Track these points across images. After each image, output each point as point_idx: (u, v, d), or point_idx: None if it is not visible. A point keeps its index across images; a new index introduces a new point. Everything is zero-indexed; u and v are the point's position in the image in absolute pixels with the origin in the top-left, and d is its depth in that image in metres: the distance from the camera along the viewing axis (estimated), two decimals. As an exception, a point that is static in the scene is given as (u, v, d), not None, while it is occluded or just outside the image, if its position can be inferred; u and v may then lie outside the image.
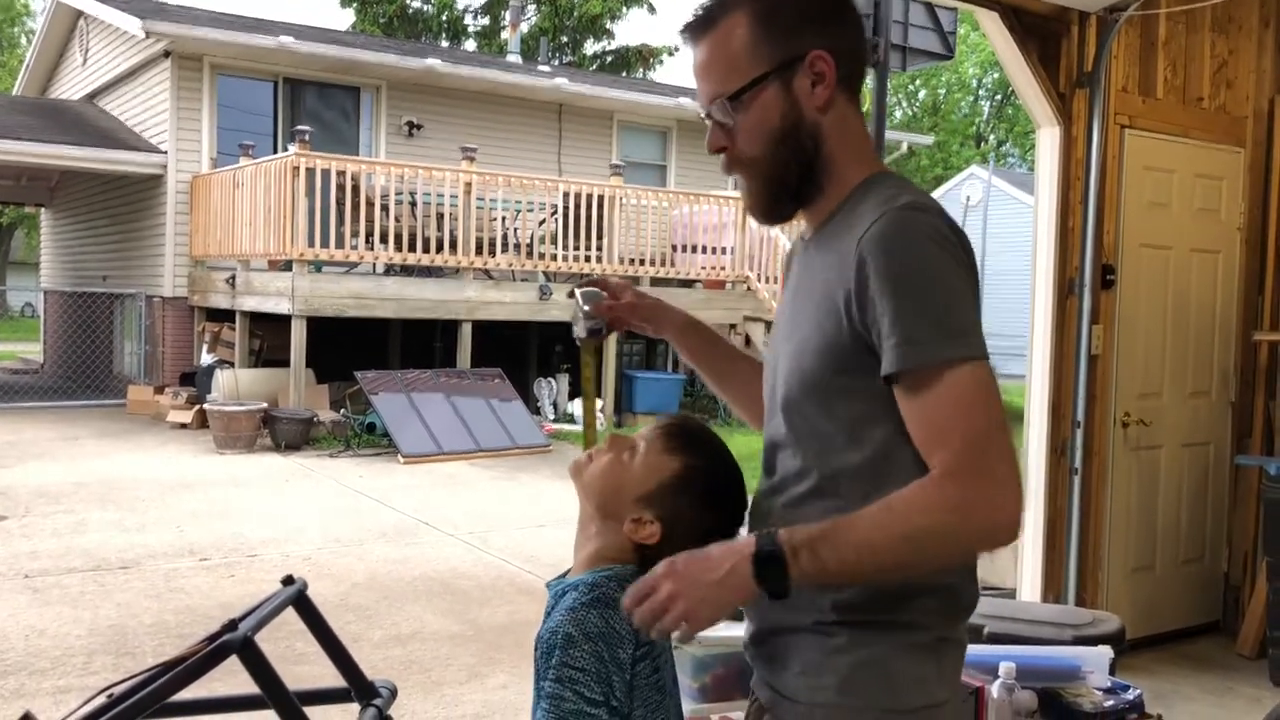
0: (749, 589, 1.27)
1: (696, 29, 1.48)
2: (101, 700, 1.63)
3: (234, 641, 1.53)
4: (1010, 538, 1.30)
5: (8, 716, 3.94)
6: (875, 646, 1.38)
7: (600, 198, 12.67)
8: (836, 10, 1.48)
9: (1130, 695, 2.56)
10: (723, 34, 1.45)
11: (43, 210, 19.94)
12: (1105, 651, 2.63)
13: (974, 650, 2.68)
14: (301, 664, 3.79)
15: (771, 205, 1.50)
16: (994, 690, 2.37)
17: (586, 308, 1.74)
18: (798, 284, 1.53)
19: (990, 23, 4.30)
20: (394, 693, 1.94)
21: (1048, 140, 4.53)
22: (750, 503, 1.58)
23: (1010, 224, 20.24)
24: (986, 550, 1.34)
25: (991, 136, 37.44)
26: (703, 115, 1.49)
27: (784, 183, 1.47)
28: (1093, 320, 4.49)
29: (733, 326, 13.47)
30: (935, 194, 27.01)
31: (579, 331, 1.77)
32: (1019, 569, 4.65)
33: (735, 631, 1.66)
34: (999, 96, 36.43)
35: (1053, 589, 4.50)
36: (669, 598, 1.27)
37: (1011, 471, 1.30)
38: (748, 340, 13.24)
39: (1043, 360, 4.54)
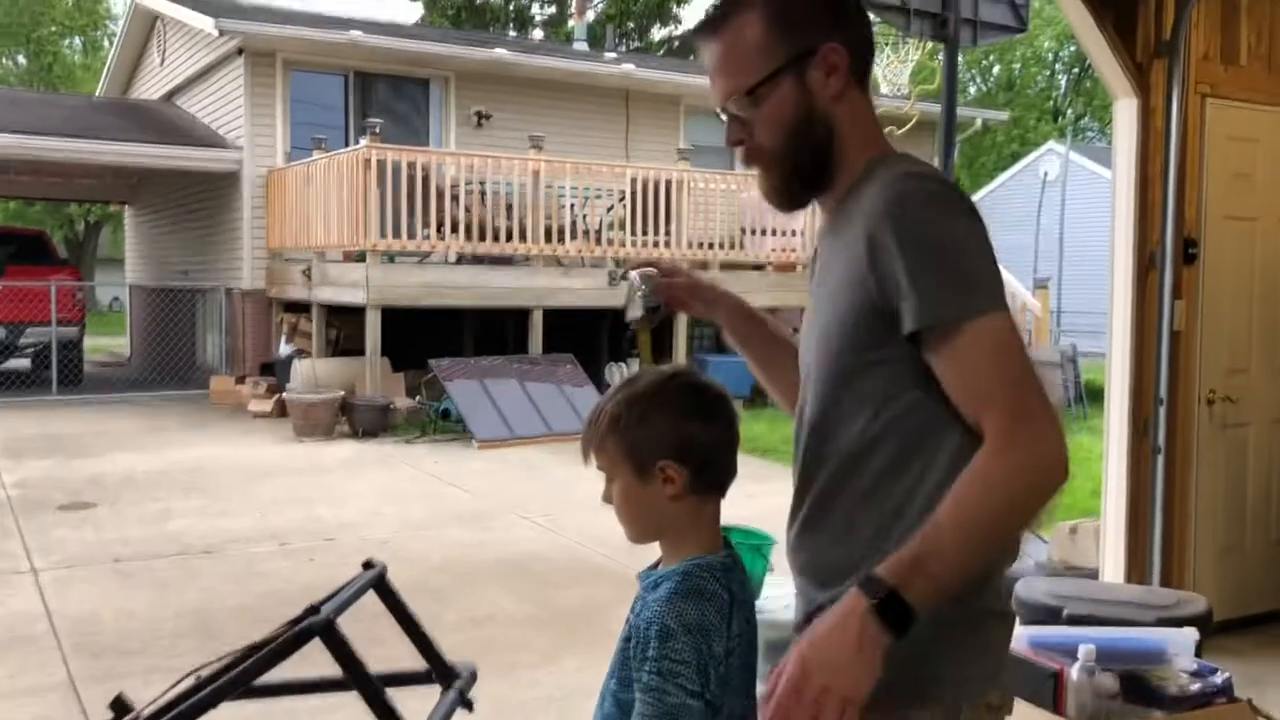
0: (882, 642, 1.25)
1: (709, 28, 1.52)
2: (190, 682, 1.66)
3: (317, 624, 1.56)
4: (1064, 474, 1.31)
5: (100, 697, 4.06)
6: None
7: (668, 182, 12.63)
8: (843, 3, 1.52)
9: (1218, 678, 2.50)
10: (735, 31, 1.49)
11: (126, 207, 20.47)
12: (1191, 633, 2.57)
13: (1053, 632, 2.63)
14: (381, 646, 3.85)
15: (789, 194, 1.54)
16: (1074, 672, 2.33)
17: (644, 288, 1.73)
18: (820, 273, 1.56)
19: (1064, -8, 4.19)
20: (474, 675, 1.95)
21: (1125, 112, 4.41)
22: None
23: (1090, 199, 19.73)
24: (1052, 494, 1.33)
25: (1069, 111, 36.57)
26: (719, 111, 1.53)
27: (800, 172, 1.50)
28: (1175, 295, 4.37)
29: (803, 310, 13.35)
30: (1012, 170, 26.49)
31: (634, 313, 1.76)
32: (1101, 550, 4.56)
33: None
34: (1076, 70, 35.56)
35: (1137, 570, 4.40)
36: (822, 691, 1.24)
37: (1050, 410, 1.32)
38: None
39: (1123, 337, 4.43)
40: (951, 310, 1.31)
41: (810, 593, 1.49)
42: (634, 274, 1.76)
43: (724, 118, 1.53)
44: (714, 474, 1.51)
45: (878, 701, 1.29)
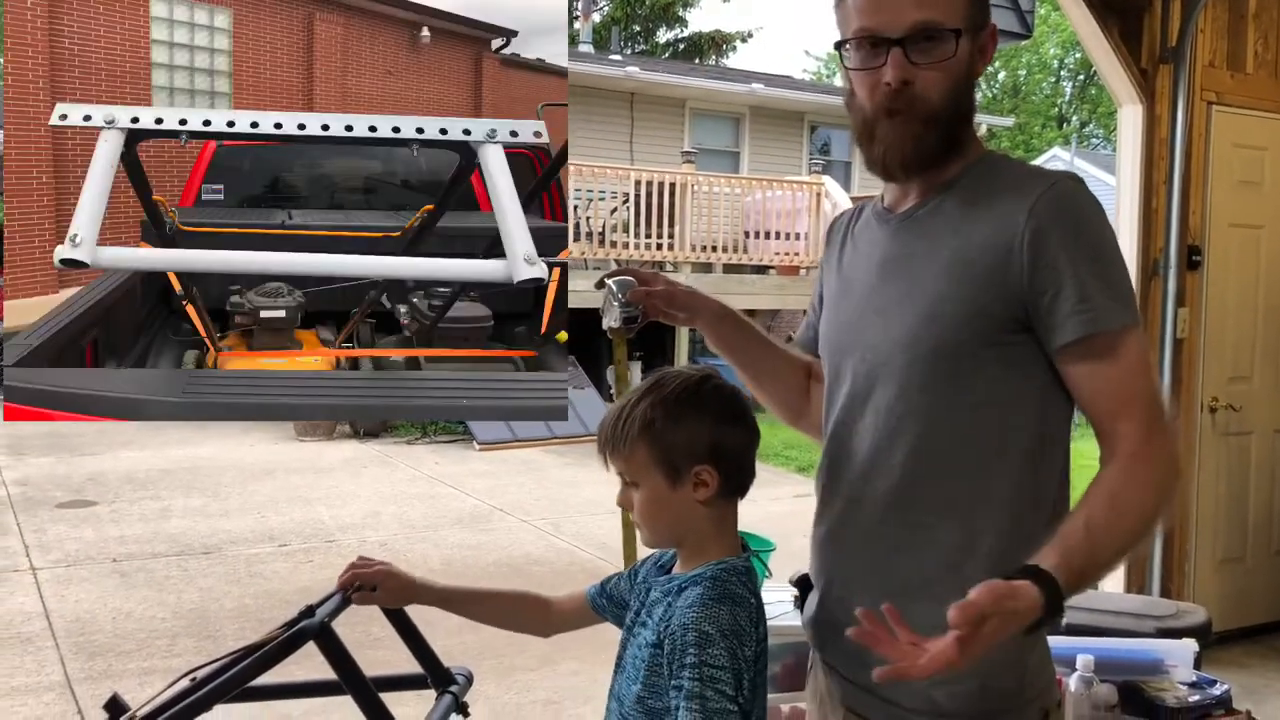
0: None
1: None
2: (184, 683, 1.66)
3: (311, 627, 1.55)
4: (1177, 493, 1.36)
5: (96, 696, 4.05)
6: (1006, 642, 1.34)
7: (672, 185, 12.63)
8: None
9: (1217, 690, 2.48)
10: None
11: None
12: (1190, 644, 2.56)
13: (1052, 641, 2.62)
14: (377, 649, 3.84)
15: (927, 155, 1.43)
16: (1072, 683, 2.32)
17: (622, 296, 1.69)
18: (896, 254, 1.47)
19: (1069, 0, 4.18)
20: (470, 679, 1.94)
21: (1130, 118, 4.40)
22: (821, 500, 1.55)
23: (1092, 206, 19.72)
24: (1169, 510, 1.35)
25: (1074, 118, 36.56)
26: (891, 37, 1.37)
27: (950, 135, 1.43)
28: (1178, 303, 4.36)
29: (805, 313, 13.35)
30: (1014, 177, 26.43)
31: (611, 321, 1.70)
32: (1101, 559, 4.54)
33: (798, 621, 1.64)
34: (1081, 77, 35.54)
35: (1136, 580, 4.39)
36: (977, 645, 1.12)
37: (1175, 430, 1.38)
38: (822, 327, 13.11)
39: (1125, 345, 4.42)
40: (1117, 320, 1.32)
41: (849, 597, 1.43)
42: (611, 282, 1.71)
43: (870, 50, 1.40)
44: (742, 477, 1.50)
45: (979, 714, 1.37)
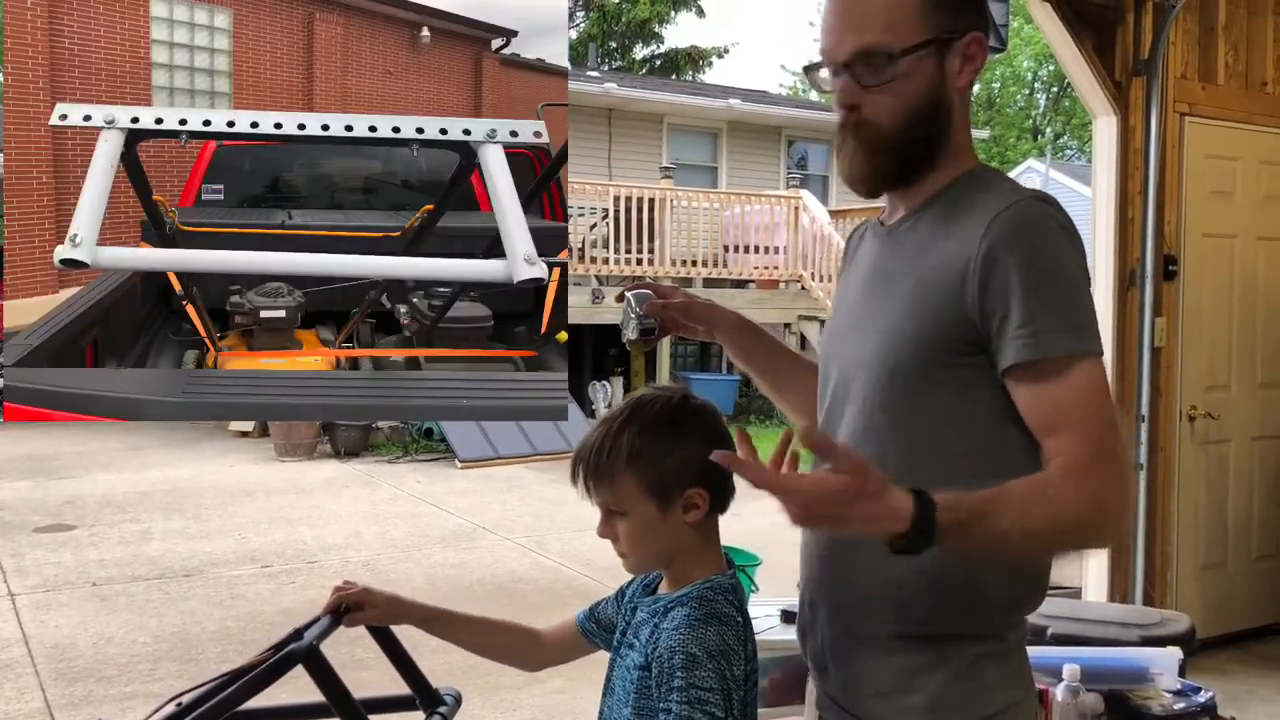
0: (882, 540, 1.17)
1: None
2: (170, 709, 1.64)
3: (300, 650, 1.53)
4: (1118, 527, 1.30)
5: (77, 723, 4.02)
6: (958, 660, 1.34)
7: (651, 200, 12.66)
8: None
9: (1201, 697, 2.50)
10: None
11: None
12: (1174, 652, 2.57)
13: (1038, 652, 2.62)
14: (362, 670, 3.82)
15: (885, 178, 1.43)
16: (1058, 693, 2.33)
17: (639, 309, 1.70)
18: (878, 269, 1.46)
19: (1043, 13, 4.22)
20: (459, 700, 1.93)
21: (1104, 130, 4.44)
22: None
23: (1070, 217, 19.85)
24: (1100, 539, 1.30)
25: (1048, 129, 36.89)
26: (837, 62, 1.38)
27: (907, 157, 1.40)
28: (1155, 312, 4.40)
29: (787, 326, 13.41)
30: (990, 188, 26.60)
31: (630, 334, 1.71)
32: (1083, 568, 4.56)
33: (791, 635, 1.65)
34: (1055, 89, 35.87)
35: (1119, 589, 4.41)
36: (825, 518, 1.16)
37: (1128, 463, 1.31)
38: (803, 340, 13.17)
39: (1104, 353, 4.45)
40: (1062, 348, 1.27)
41: (828, 620, 1.44)
42: (629, 295, 1.72)
43: (830, 74, 1.40)
44: (728, 494, 1.49)
45: None
